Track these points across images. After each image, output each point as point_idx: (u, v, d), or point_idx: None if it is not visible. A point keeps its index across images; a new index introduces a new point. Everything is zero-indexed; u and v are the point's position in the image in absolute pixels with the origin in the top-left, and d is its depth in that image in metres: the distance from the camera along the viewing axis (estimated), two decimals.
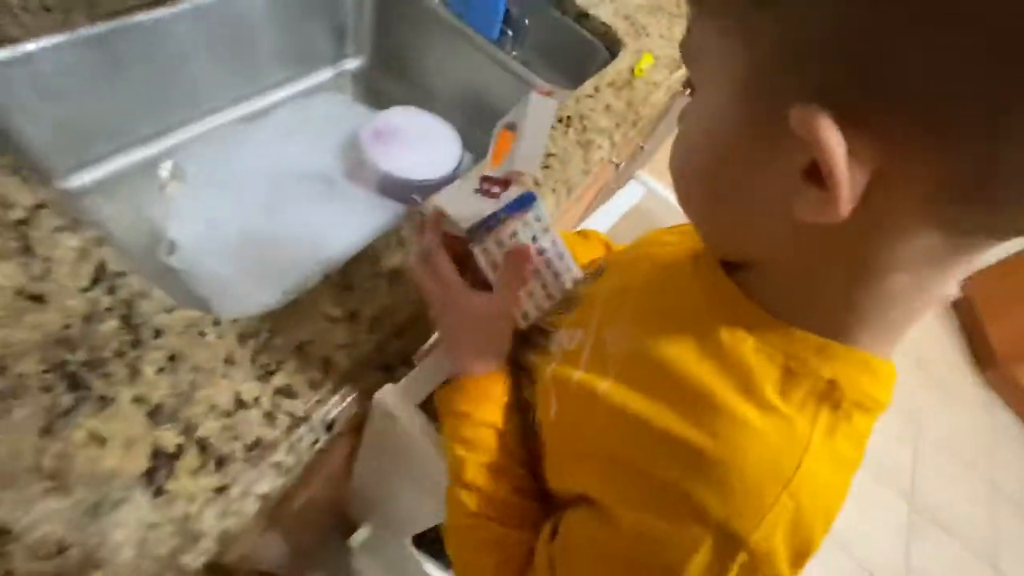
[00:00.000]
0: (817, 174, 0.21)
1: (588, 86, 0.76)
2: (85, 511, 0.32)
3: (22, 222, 0.40)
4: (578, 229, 0.57)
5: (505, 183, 0.37)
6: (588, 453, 0.31)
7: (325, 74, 0.88)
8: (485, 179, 0.38)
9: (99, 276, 0.40)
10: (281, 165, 0.78)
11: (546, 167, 0.64)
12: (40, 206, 0.42)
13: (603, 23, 0.88)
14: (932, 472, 1.60)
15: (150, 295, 0.40)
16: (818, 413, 0.25)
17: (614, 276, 0.39)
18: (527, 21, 0.94)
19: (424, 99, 0.87)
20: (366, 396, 0.42)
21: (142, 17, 0.60)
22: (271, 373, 0.40)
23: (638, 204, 0.64)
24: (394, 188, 0.78)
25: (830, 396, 0.25)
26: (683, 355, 0.28)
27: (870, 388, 0.26)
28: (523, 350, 0.41)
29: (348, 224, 0.76)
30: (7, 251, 0.39)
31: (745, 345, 0.27)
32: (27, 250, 0.39)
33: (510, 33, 0.95)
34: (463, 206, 0.37)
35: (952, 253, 0.23)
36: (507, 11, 0.94)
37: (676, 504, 0.26)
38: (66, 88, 0.58)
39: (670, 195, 0.67)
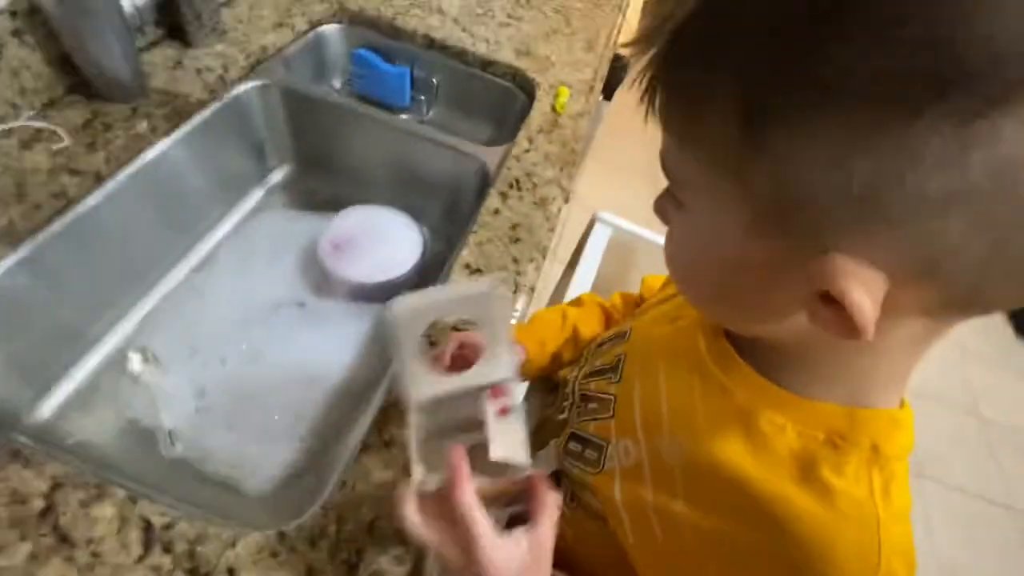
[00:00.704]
0: (832, 299, 0.23)
1: (522, 140, 0.77)
2: None
3: (47, 512, 0.38)
4: (570, 298, 0.59)
5: (504, 391, 0.34)
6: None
7: (256, 195, 0.85)
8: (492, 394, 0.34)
9: (148, 538, 0.38)
10: (245, 305, 0.75)
11: (516, 240, 0.65)
12: (57, 485, 0.39)
13: (508, 66, 0.90)
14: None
15: (207, 535, 0.39)
16: (871, 479, 0.28)
17: (636, 378, 0.40)
18: (435, 80, 0.94)
19: (357, 188, 0.86)
20: None
21: (57, 225, 0.56)
22: (355, 566, 0.40)
23: (611, 242, 0.67)
24: (367, 293, 0.77)
25: (876, 460, 0.28)
26: (734, 457, 0.30)
27: (901, 439, 0.29)
28: (568, 460, 0.42)
29: (332, 342, 0.75)
30: (45, 551, 0.37)
31: (787, 433, 0.29)
32: (65, 540, 0.37)
33: (423, 98, 0.95)
34: (505, 439, 0.33)
35: (948, 322, 0.26)
36: (412, 77, 0.94)
37: None
38: (6, 318, 0.54)
39: (636, 228, 0.70)
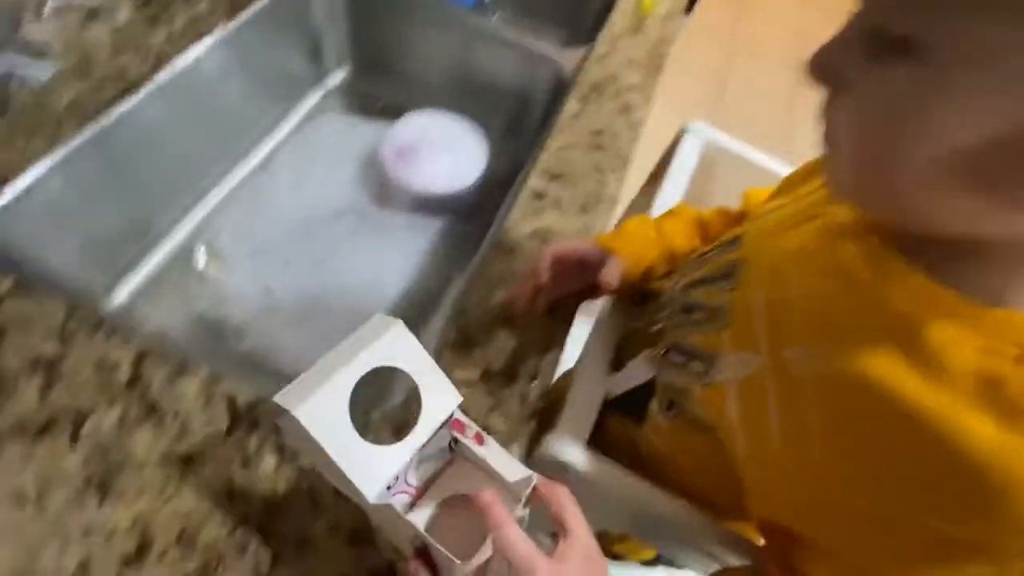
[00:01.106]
0: None
1: (603, 43, 0.70)
2: None
3: (133, 382, 0.38)
4: (657, 212, 0.54)
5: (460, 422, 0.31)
6: (823, 505, 0.30)
7: (313, 98, 0.81)
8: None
9: (234, 415, 0.38)
10: (306, 211, 0.73)
11: (598, 147, 0.60)
12: (141, 356, 0.38)
13: None
14: None
15: None
16: None
17: (758, 285, 0.35)
18: None
19: (418, 93, 0.80)
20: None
21: (120, 110, 0.53)
22: None
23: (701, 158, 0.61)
24: (429, 205, 0.74)
25: None
26: (888, 373, 0.26)
27: None
28: (667, 372, 0.39)
29: (394, 255, 0.72)
30: (136, 418, 0.36)
31: (964, 347, 0.25)
32: (153, 410, 0.37)
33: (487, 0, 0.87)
34: (501, 460, 0.30)
35: None
36: None
37: (954, 552, 0.25)
38: (75, 208, 0.52)
39: (730, 142, 0.63)
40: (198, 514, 0.34)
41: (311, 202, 0.73)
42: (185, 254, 0.64)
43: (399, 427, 0.39)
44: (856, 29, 0.23)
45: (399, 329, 0.30)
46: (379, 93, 0.84)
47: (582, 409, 0.42)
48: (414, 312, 0.67)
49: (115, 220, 0.58)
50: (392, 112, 0.78)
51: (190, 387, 0.38)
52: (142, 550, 0.32)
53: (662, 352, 0.40)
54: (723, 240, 0.42)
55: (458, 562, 0.26)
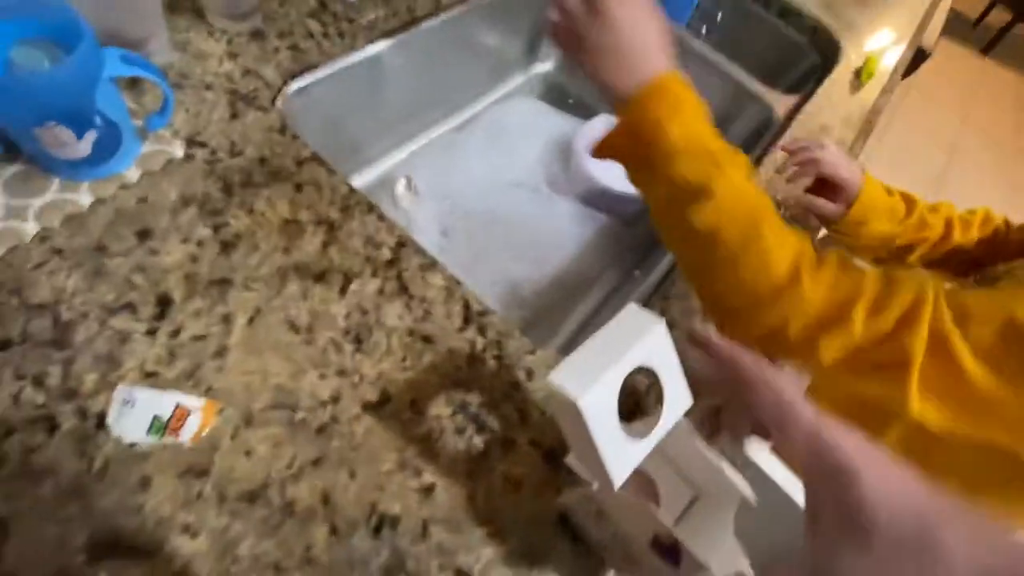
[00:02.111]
0: None
1: (819, 97, 0.72)
2: (520, 556, 0.34)
3: (392, 262, 0.42)
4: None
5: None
6: None
7: (518, 79, 0.87)
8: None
9: (468, 316, 0.41)
10: (490, 174, 0.78)
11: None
12: (401, 244, 0.43)
13: (812, 19, 0.83)
14: None
15: (512, 335, 0.42)
16: None
17: None
18: (720, 13, 0.89)
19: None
20: None
21: (379, 47, 0.59)
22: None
23: None
24: (599, 199, 0.77)
25: None
26: None
27: None
28: None
29: (560, 234, 0.76)
30: (393, 292, 0.41)
31: None
32: (405, 290, 0.41)
33: (703, 27, 0.91)
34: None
35: None
36: (697, 3, 0.90)
37: None
38: (335, 109, 0.59)
39: None
40: (429, 387, 0.38)
41: (496, 168, 0.79)
42: (390, 180, 0.70)
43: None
44: None
45: (661, 328, 0.29)
46: (575, 91, 0.89)
47: None
48: (563, 295, 0.70)
49: (360, 128, 0.65)
50: (582, 109, 0.82)
51: (437, 280, 0.42)
52: (381, 403, 0.36)
53: None
54: None
55: (711, 568, 0.27)
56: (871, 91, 0.75)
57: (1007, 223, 0.52)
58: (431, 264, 0.43)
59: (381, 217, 0.44)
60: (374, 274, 0.41)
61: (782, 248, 0.33)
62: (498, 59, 0.83)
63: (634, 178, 0.37)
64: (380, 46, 0.58)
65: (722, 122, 0.79)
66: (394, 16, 0.60)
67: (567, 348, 0.47)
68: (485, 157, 0.80)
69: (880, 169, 0.64)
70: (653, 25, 0.35)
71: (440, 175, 0.75)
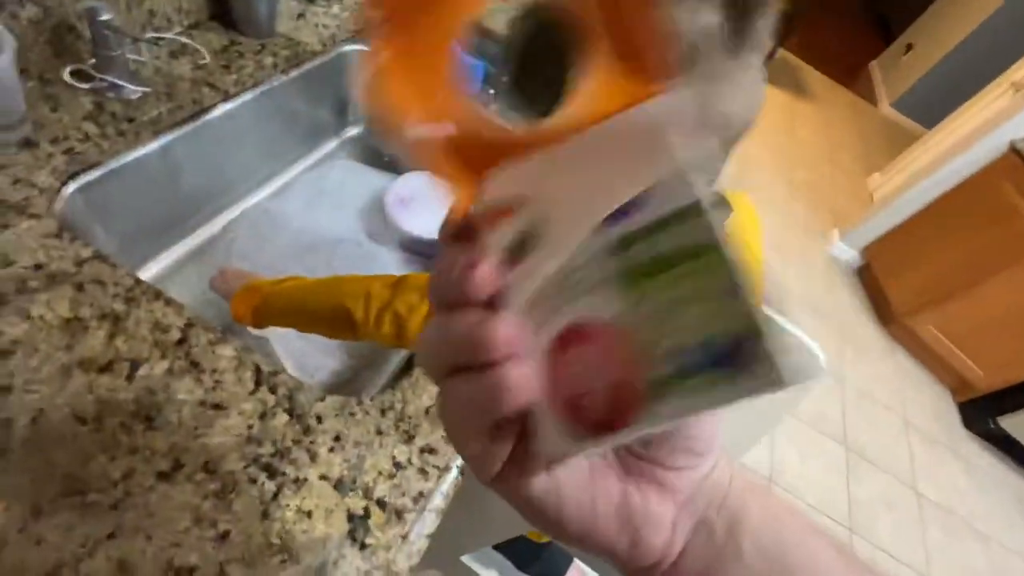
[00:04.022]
0: None
1: None
2: (315, 572, 0.41)
3: (181, 342, 0.47)
4: None
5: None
6: None
7: (331, 144, 0.95)
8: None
9: (259, 379, 0.48)
10: (311, 234, 0.85)
11: None
12: (190, 324, 0.49)
13: None
14: (858, 417, 1.91)
15: (303, 387, 0.49)
16: None
17: None
18: None
19: None
20: None
21: (183, 131, 0.65)
22: (412, 436, 0.50)
23: None
24: (415, 245, 0.87)
25: None
26: None
27: None
28: None
29: None
30: (182, 369, 0.46)
31: None
32: (196, 365, 0.47)
33: None
34: None
35: None
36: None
37: None
38: (132, 198, 0.63)
39: None
40: (222, 448, 0.43)
41: (317, 227, 0.85)
42: (209, 250, 0.74)
43: None
44: None
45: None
46: (382, 150, 0.99)
47: None
48: None
49: (159, 213, 0.68)
50: (395, 167, 0.93)
51: (226, 351, 0.48)
52: (174, 469, 0.41)
53: None
54: None
55: None
56: None
57: None
58: (220, 338, 0.49)
59: (168, 302, 0.49)
60: (163, 356, 0.46)
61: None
62: (309, 127, 0.90)
63: None
64: (169, 137, 0.63)
65: None
66: (179, 109, 0.65)
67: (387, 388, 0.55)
68: (306, 218, 0.86)
69: None
70: None
71: (263, 239, 0.80)
